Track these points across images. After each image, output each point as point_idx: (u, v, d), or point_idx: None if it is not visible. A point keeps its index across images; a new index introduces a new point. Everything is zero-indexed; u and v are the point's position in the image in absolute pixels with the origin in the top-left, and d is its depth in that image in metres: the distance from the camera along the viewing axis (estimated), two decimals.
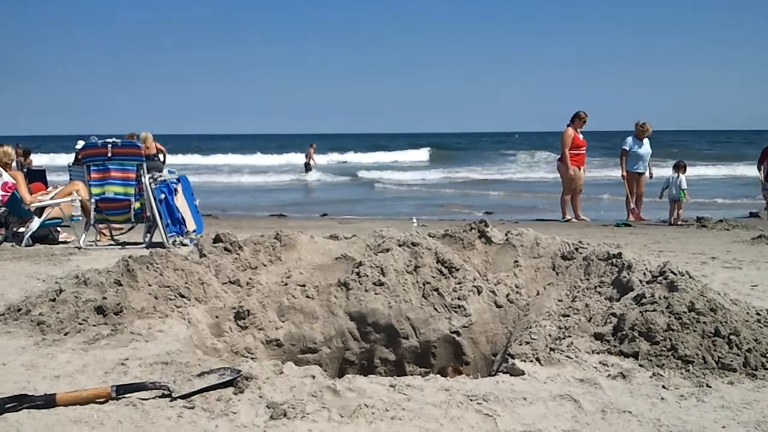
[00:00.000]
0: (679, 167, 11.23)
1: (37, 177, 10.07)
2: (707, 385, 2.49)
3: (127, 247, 7.27)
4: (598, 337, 2.89)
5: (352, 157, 43.39)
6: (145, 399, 2.34)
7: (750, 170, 20.82)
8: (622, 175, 11.42)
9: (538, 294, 3.73)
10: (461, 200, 17.32)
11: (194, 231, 7.64)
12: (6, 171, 7.80)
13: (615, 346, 2.79)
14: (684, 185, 10.85)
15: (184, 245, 7.12)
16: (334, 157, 41.86)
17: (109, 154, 7.14)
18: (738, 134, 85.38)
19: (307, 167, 29.05)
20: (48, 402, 2.29)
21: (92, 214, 7.23)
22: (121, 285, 3.45)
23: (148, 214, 7.32)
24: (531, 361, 2.75)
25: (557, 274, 3.83)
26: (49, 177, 9.72)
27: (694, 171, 21.52)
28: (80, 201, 7.87)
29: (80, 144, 17.19)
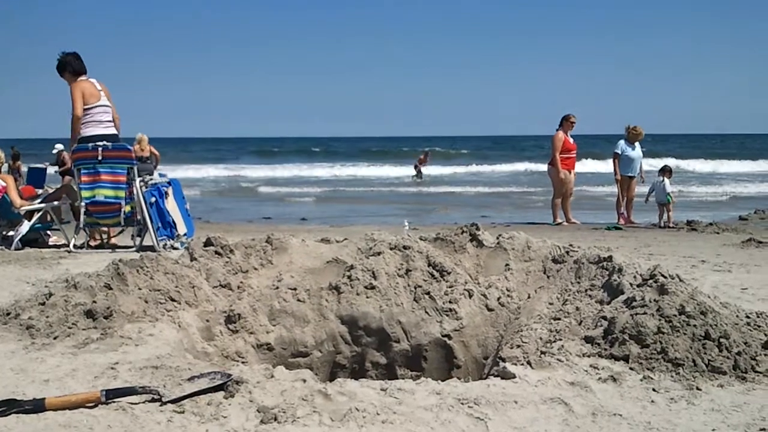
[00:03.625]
0: (665, 171, 11.32)
1: (37, 176, 10.03)
2: (697, 388, 2.50)
3: (117, 250, 7.23)
4: (588, 340, 2.90)
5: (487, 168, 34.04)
6: (135, 403, 2.34)
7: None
8: (616, 179, 11.48)
9: (529, 297, 3.73)
10: None
11: (185, 234, 7.62)
12: None
13: (605, 349, 2.80)
14: (669, 189, 10.93)
15: (175, 249, 7.10)
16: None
17: (100, 157, 7.11)
18: (734, 138, 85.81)
19: (419, 174, 28.41)
20: (37, 407, 2.27)
21: (82, 217, 7.20)
22: (111, 289, 3.43)
23: (139, 217, 7.29)
24: (522, 364, 2.75)
25: (548, 277, 3.84)
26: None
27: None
28: (70, 204, 7.84)
29: (57, 147, 17.04)
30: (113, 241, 7.81)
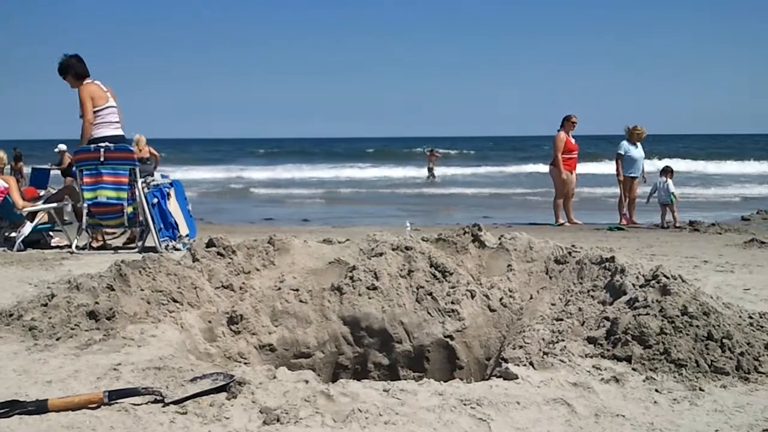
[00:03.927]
0: (667, 172, 11.32)
1: (41, 176, 10.04)
2: (700, 389, 2.50)
3: (119, 251, 7.24)
4: (591, 341, 2.89)
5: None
6: (138, 404, 2.34)
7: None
8: (619, 180, 11.46)
9: (531, 298, 3.73)
10: None
11: (187, 235, 7.62)
12: None
13: (608, 350, 2.79)
14: (672, 189, 10.94)
15: (177, 250, 7.10)
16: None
17: (102, 159, 7.11)
18: (732, 138, 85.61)
19: (431, 172, 28.40)
20: (40, 408, 2.27)
21: (84, 218, 7.20)
22: (113, 290, 3.44)
23: (141, 218, 7.30)
24: (524, 365, 2.75)
25: (550, 278, 3.83)
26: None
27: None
28: (72, 205, 7.84)
29: (60, 147, 17.05)
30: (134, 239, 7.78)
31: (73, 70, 7.31)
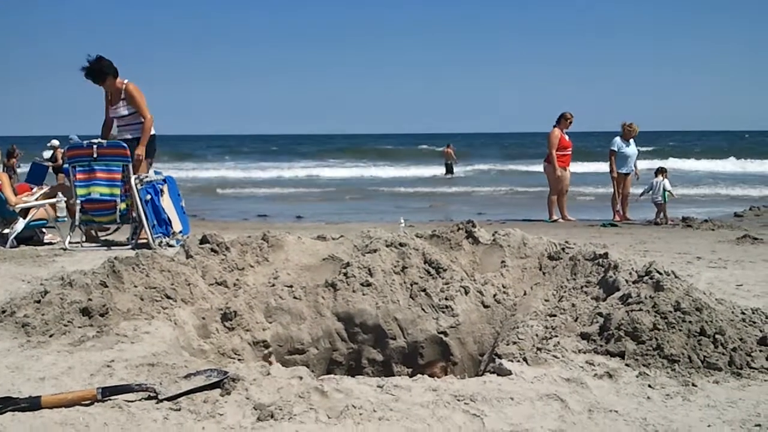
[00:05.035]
0: (662, 172, 11.40)
1: (39, 172, 9.99)
2: (693, 384, 2.51)
3: (112, 248, 7.21)
4: (584, 336, 2.90)
5: None
6: (131, 401, 2.33)
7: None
8: (612, 176, 11.50)
9: (525, 294, 3.74)
10: None
11: (180, 232, 7.59)
12: None
13: (601, 346, 2.80)
14: (669, 187, 11.02)
15: (171, 246, 7.07)
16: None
17: (95, 155, 7.08)
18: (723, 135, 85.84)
19: (449, 168, 28.31)
20: (33, 404, 2.27)
21: (78, 215, 7.17)
22: (106, 286, 3.43)
23: (134, 215, 7.27)
24: (518, 360, 2.75)
25: (544, 274, 3.84)
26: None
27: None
28: (65, 202, 7.81)
29: (53, 144, 16.97)
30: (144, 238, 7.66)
31: (113, 70, 7.36)
